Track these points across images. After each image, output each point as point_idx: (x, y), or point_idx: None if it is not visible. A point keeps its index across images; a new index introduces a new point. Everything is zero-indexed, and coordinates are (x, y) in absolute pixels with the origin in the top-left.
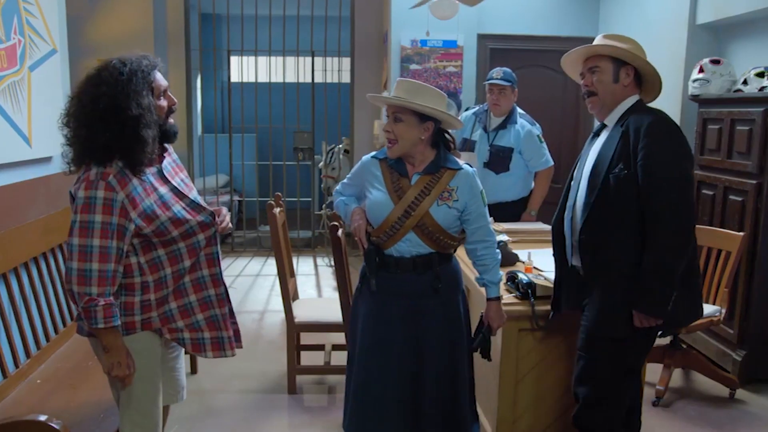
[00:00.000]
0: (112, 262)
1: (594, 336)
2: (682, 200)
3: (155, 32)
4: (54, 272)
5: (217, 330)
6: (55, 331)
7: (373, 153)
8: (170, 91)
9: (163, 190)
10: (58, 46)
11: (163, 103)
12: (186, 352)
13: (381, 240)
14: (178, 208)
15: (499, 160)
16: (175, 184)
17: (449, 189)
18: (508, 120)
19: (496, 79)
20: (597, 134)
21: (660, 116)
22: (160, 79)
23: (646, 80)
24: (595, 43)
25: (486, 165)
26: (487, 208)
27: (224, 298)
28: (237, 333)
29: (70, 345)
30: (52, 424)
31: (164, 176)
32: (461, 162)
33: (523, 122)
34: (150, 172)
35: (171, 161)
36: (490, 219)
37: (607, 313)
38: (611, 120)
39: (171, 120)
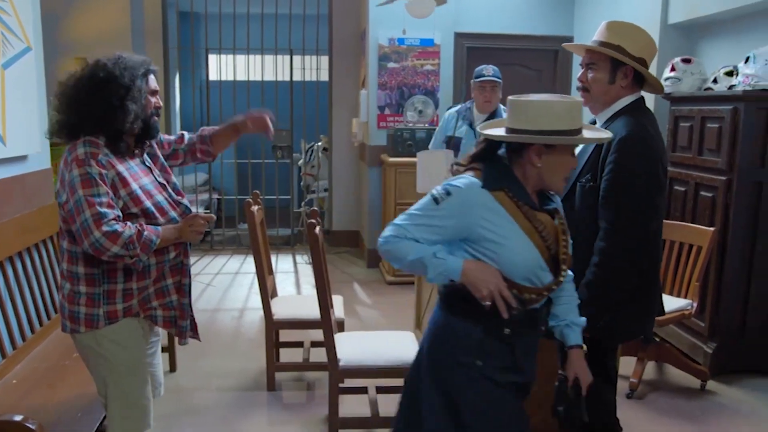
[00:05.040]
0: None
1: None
2: (632, 222)
3: (133, 30)
4: (30, 271)
5: (180, 310)
6: (32, 330)
7: (473, 180)
8: (159, 96)
9: (146, 179)
10: (32, 44)
11: (152, 99)
12: (168, 346)
13: (535, 298)
14: (160, 198)
15: None
16: (155, 176)
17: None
18: (494, 115)
19: (489, 76)
20: None
21: (634, 131)
22: (152, 80)
23: (646, 79)
24: (598, 32)
25: None
26: None
27: (189, 289)
28: (194, 326)
29: (47, 344)
30: (28, 424)
31: (148, 166)
32: None
33: None
34: (134, 163)
35: (152, 153)
36: None
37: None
38: (601, 118)
39: (155, 118)
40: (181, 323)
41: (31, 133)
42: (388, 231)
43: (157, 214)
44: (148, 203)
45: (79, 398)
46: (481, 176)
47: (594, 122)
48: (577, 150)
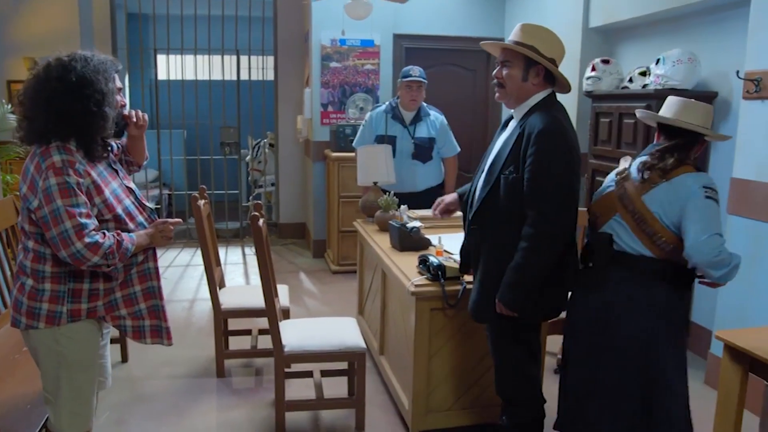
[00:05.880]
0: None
1: (473, 316)
2: (557, 209)
3: (81, 31)
4: None
5: (157, 319)
6: None
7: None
8: (122, 93)
9: (115, 184)
10: None
11: (117, 98)
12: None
13: None
14: (128, 202)
15: (425, 151)
16: (121, 179)
17: None
18: (420, 113)
19: (415, 76)
20: (506, 125)
21: (551, 125)
22: (117, 79)
23: (556, 78)
24: (513, 33)
25: (414, 157)
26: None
27: (161, 291)
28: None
29: None
30: None
31: (115, 169)
32: None
33: (435, 113)
34: (102, 167)
35: (113, 159)
36: (404, 206)
37: (480, 299)
38: (518, 114)
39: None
40: (166, 326)
41: None
42: (721, 241)
43: (127, 220)
44: (119, 209)
45: (29, 392)
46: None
47: (511, 117)
48: (502, 139)
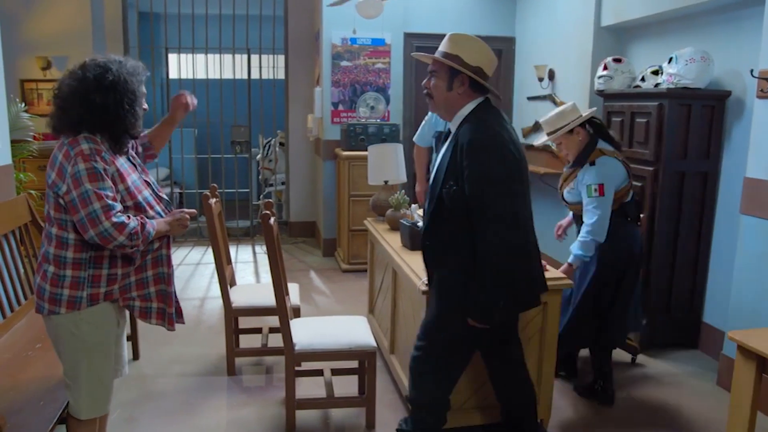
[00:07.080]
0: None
1: (431, 330)
2: (503, 212)
3: (93, 30)
4: None
5: (164, 303)
6: None
7: None
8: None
9: (134, 176)
10: None
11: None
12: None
13: None
14: (146, 193)
15: None
16: (140, 173)
17: None
18: None
19: None
20: (446, 138)
21: (476, 134)
22: (143, 85)
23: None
24: (442, 43)
25: None
26: None
27: (172, 278)
28: (179, 311)
29: (9, 336)
30: None
31: (133, 163)
32: None
33: None
34: (123, 160)
35: (133, 154)
36: (415, 205)
37: (443, 315)
38: (453, 126)
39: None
40: (170, 311)
41: None
42: None
43: (147, 208)
44: (140, 198)
45: (42, 388)
46: None
47: (449, 131)
48: (441, 153)
